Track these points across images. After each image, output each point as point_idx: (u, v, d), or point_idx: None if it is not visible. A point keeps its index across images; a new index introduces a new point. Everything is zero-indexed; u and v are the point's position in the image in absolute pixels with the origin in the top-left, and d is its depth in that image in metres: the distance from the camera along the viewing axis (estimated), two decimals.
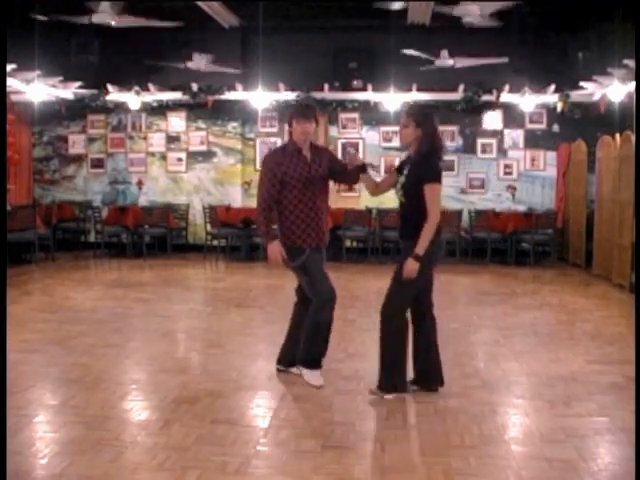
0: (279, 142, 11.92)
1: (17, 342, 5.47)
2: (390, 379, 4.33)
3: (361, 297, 7.91)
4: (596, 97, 10.36)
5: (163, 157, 12.38)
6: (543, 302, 8.07)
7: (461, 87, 11.28)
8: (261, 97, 11.14)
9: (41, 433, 3.79)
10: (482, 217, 11.26)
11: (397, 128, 5.14)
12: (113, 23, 9.10)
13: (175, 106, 12.06)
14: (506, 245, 11.13)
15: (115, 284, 8.97)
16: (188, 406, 4.17)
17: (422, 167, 4.22)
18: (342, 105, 11.71)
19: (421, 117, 4.30)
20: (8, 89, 9.93)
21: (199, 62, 10.71)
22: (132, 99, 11.60)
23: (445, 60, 10.14)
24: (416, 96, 11.19)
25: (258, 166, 12.05)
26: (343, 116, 11.92)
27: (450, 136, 11.89)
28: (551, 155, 11.71)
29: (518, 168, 11.83)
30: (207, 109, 11.86)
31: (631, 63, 8.56)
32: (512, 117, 11.68)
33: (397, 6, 9.14)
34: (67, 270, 9.98)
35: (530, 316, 7.14)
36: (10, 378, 4.05)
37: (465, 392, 4.52)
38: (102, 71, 11.58)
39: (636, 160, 7.84)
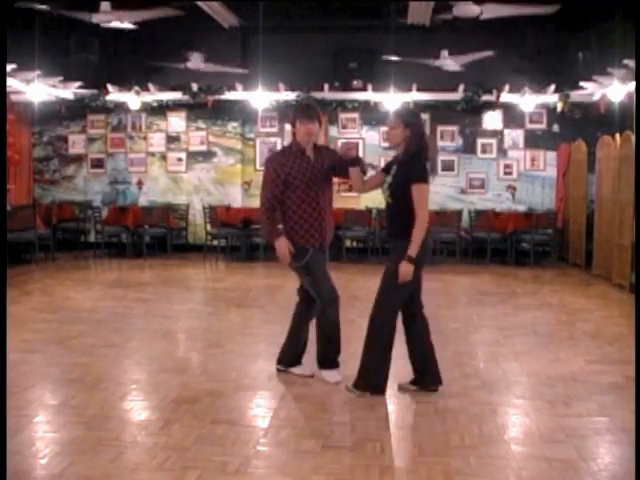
0: (279, 142, 11.96)
1: (17, 342, 5.47)
2: (371, 380, 4.35)
3: (361, 297, 7.89)
4: (596, 97, 10.36)
5: (163, 157, 12.38)
6: (543, 302, 8.07)
7: (461, 87, 11.28)
8: (261, 97, 11.14)
9: (41, 433, 3.79)
10: (482, 217, 11.27)
11: None
12: (116, 24, 9.08)
13: (175, 106, 12.07)
14: (506, 245, 11.13)
15: (115, 284, 8.96)
16: (188, 406, 4.17)
17: (409, 167, 4.24)
18: (342, 105, 11.71)
19: (410, 118, 4.37)
20: (8, 89, 9.93)
21: (199, 62, 10.70)
22: (132, 99, 11.60)
23: (445, 60, 10.14)
24: (416, 96, 11.21)
25: (258, 166, 12.08)
26: (343, 116, 11.92)
27: (450, 136, 11.91)
28: (551, 155, 11.71)
29: (518, 168, 11.83)
30: (207, 109, 11.86)
31: (631, 63, 8.56)
32: (512, 117, 11.68)
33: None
34: (67, 270, 9.98)
35: (530, 316, 7.13)
36: (10, 378, 4.05)
37: (465, 392, 4.52)
38: (102, 71, 11.59)
39: (636, 160, 7.84)
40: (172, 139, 12.34)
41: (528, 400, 4.43)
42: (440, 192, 11.95)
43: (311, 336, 4.82)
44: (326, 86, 11.52)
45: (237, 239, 11.54)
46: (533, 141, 11.78)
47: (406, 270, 4.15)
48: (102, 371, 4.91)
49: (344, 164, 4.55)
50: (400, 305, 4.36)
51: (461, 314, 7.30)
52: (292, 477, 3.24)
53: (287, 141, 11.70)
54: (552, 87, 10.89)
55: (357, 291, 8.26)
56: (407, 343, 4.47)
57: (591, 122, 10.94)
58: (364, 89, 11.46)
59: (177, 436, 3.69)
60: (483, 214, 11.29)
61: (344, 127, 12.00)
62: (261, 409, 4.25)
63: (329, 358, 4.69)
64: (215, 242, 11.57)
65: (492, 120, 11.80)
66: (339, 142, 11.63)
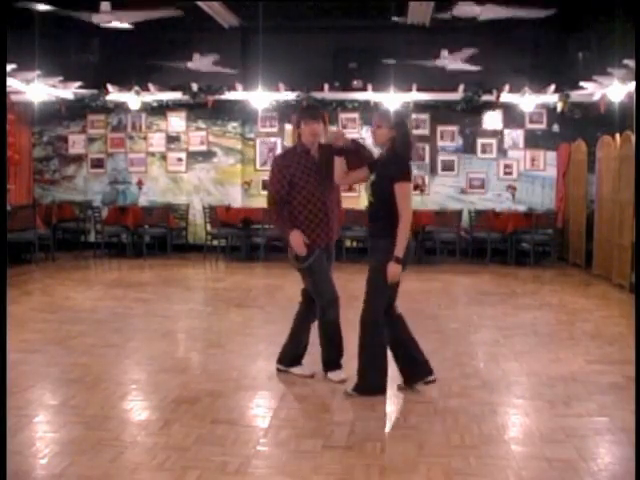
0: (279, 142, 11.97)
1: (17, 342, 5.47)
2: (371, 380, 4.35)
3: (361, 297, 7.85)
4: (596, 97, 10.36)
5: (163, 157, 12.38)
6: (543, 302, 8.06)
7: (461, 87, 11.28)
8: (261, 97, 11.14)
9: (41, 433, 3.79)
10: (482, 217, 11.27)
11: None
12: (116, 24, 9.09)
13: (175, 106, 12.07)
14: (506, 245, 11.13)
15: (115, 284, 8.96)
16: (188, 406, 4.17)
17: (392, 166, 4.26)
18: (342, 105, 11.71)
19: (395, 118, 4.41)
20: (8, 89, 9.93)
21: (199, 62, 10.71)
22: (132, 99, 11.60)
23: (445, 60, 10.14)
24: (416, 96, 11.22)
25: (258, 166, 12.10)
26: (343, 116, 11.92)
27: (450, 136, 11.91)
28: (551, 155, 11.71)
29: (518, 168, 11.83)
30: (207, 109, 11.86)
31: (631, 63, 8.56)
32: (512, 117, 11.68)
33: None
34: (67, 270, 9.98)
35: (530, 316, 7.13)
36: (10, 378, 4.05)
37: (465, 392, 4.51)
38: (102, 71, 11.60)
39: (636, 160, 7.83)
40: (172, 139, 12.34)
41: (528, 400, 4.43)
42: (440, 192, 11.96)
43: (312, 337, 4.82)
44: (326, 86, 11.52)
45: (237, 239, 11.54)
46: (533, 141, 11.77)
47: (394, 271, 4.17)
48: (102, 371, 4.91)
49: (336, 153, 4.49)
50: (386, 302, 4.36)
51: (461, 314, 7.30)
52: (292, 477, 3.24)
53: (287, 141, 11.76)
54: (552, 87, 10.89)
55: (357, 291, 8.19)
56: (389, 344, 4.47)
57: (591, 122, 10.94)
58: (364, 89, 11.46)
59: (177, 436, 3.69)
60: (483, 214, 11.29)
61: (344, 127, 11.96)
62: (261, 409, 4.25)
63: (333, 360, 4.71)
64: (215, 242, 11.56)
65: (492, 120, 11.81)
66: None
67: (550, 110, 11.45)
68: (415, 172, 11.89)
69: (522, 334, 6.25)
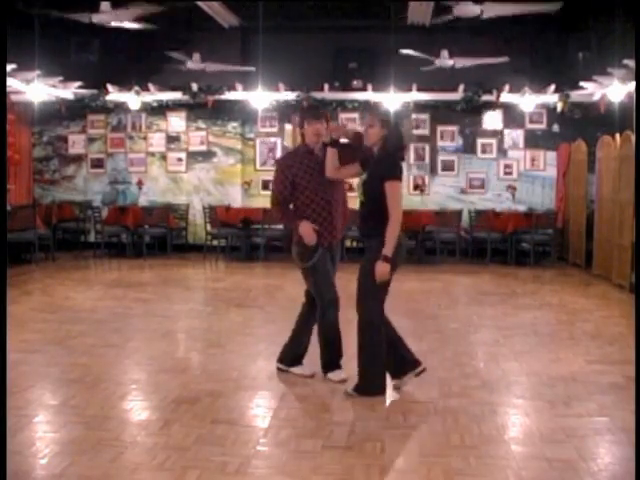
0: (279, 142, 11.97)
1: (17, 342, 5.47)
2: (371, 381, 4.35)
3: None
4: (596, 97, 10.36)
5: (163, 157, 12.38)
6: (543, 302, 8.06)
7: (461, 87, 11.28)
8: (261, 97, 11.13)
9: (41, 433, 3.79)
10: (482, 217, 11.27)
11: None
12: (116, 24, 9.08)
13: (175, 106, 12.06)
14: (506, 245, 11.12)
15: (115, 284, 8.96)
16: (188, 406, 4.17)
17: (383, 165, 4.27)
18: (342, 105, 11.71)
19: (387, 117, 4.49)
20: (8, 89, 9.92)
21: (199, 62, 10.70)
22: (132, 99, 11.60)
23: (445, 60, 10.14)
24: (416, 96, 11.21)
25: (258, 166, 12.10)
26: (343, 116, 11.91)
27: (450, 136, 11.91)
28: (551, 155, 11.71)
29: (518, 168, 11.83)
30: (207, 109, 11.86)
31: (631, 63, 8.56)
32: (512, 117, 11.68)
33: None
34: (67, 270, 9.98)
35: (530, 316, 7.13)
36: (10, 378, 4.05)
37: (465, 392, 4.51)
38: (102, 71, 11.58)
39: (636, 160, 7.83)
40: (172, 139, 12.34)
41: (528, 400, 4.43)
42: (440, 192, 11.96)
43: (313, 338, 4.82)
44: (326, 86, 11.52)
45: (237, 239, 11.54)
46: (533, 141, 11.77)
47: (382, 270, 4.15)
48: (102, 371, 4.91)
49: (330, 145, 4.47)
50: (381, 303, 4.34)
51: (461, 314, 7.30)
52: (292, 477, 3.24)
53: (287, 141, 11.77)
54: (552, 87, 10.89)
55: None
56: None
57: (591, 122, 10.94)
58: (364, 89, 11.46)
59: (177, 436, 3.69)
60: (483, 214, 11.29)
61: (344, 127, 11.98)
62: (261, 409, 4.25)
63: (332, 361, 4.70)
64: (215, 242, 11.56)
65: (492, 120, 11.81)
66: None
67: (550, 110, 11.45)
68: (415, 172, 11.94)
69: (522, 334, 6.25)
